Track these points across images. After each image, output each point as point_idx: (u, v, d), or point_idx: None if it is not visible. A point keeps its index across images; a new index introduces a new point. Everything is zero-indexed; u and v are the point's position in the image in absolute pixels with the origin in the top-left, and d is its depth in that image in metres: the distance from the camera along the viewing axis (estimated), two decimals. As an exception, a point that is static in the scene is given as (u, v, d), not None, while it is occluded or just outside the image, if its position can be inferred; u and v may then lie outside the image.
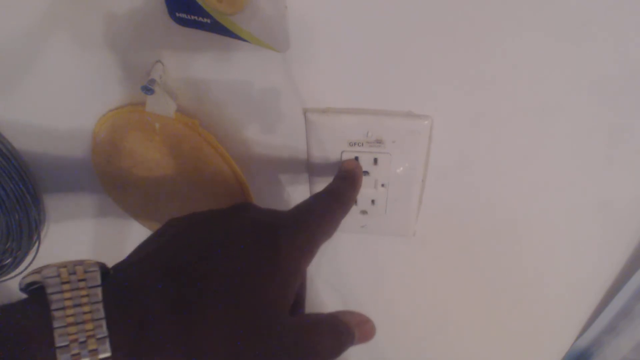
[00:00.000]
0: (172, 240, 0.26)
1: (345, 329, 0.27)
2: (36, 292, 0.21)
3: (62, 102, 0.37)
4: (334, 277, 0.49)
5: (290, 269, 0.26)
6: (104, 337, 0.20)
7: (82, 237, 0.49)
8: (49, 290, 0.20)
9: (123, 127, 0.36)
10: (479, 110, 0.33)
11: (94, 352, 0.19)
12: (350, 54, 0.32)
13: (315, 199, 0.30)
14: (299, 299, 0.30)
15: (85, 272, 0.21)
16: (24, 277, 0.21)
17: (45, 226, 0.47)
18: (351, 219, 0.41)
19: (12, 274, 0.47)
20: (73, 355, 0.19)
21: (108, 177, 0.40)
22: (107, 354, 0.20)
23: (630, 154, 0.34)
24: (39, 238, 0.46)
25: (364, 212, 0.40)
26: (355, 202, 0.39)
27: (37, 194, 0.43)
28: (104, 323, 0.20)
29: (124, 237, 0.47)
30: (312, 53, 0.32)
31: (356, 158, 0.36)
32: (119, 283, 0.23)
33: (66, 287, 0.20)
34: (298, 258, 0.26)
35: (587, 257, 0.42)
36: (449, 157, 0.36)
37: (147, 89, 0.32)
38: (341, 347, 0.26)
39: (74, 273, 0.21)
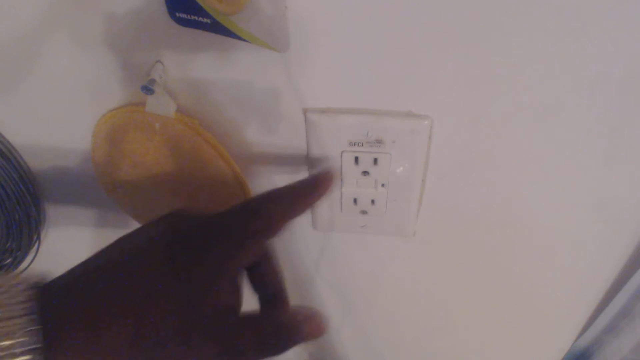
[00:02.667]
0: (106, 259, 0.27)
1: (292, 326, 0.27)
2: None
3: (62, 102, 0.37)
4: (334, 277, 0.49)
5: (215, 274, 0.26)
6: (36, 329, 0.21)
7: (82, 237, 0.49)
8: None
9: (123, 127, 0.36)
10: (479, 110, 0.33)
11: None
12: (350, 53, 0.32)
13: (264, 194, 0.30)
14: (274, 287, 0.30)
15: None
16: None
17: (45, 226, 0.47)
18: (351, 219, 0.41)
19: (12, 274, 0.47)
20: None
21: (108, 177, 0.40)
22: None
23: (630, 154, 0.34)
24: (39, 238, 0.46)
25: (364, 212, 0.40)
26: (355, 201, 0.39)
27: (37, 194, 0.43)
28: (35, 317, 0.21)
29: (124, 237, 0.47)
30: (312, 53, 0.32)
31: (356, 158, 0.36)
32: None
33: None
34: (221, 262, 0.26)
35: (587, 257, 0.42)
36: (449, 157, 0.36)
37: (147, 89, 0.32)
38: (286, 344, 0.26)
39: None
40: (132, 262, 0.26)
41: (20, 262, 0.46)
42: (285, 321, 0.27)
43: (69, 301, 0.24)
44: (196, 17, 0.29)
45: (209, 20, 0.29)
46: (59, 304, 0.23)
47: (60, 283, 0.25)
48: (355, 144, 0.36)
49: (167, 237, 0.27)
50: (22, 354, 0.21)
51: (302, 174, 0.40)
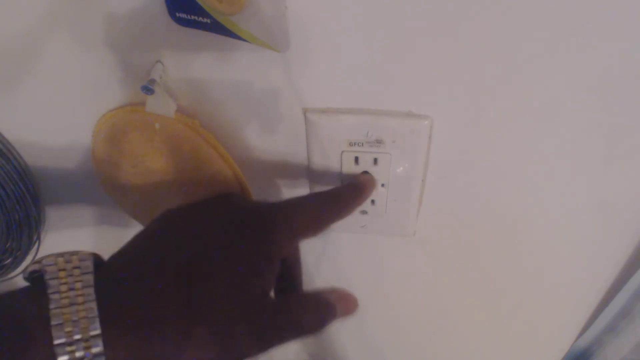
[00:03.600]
0: (167, 235, 0.28)
1: (326, 304, 0.29)
2: (37, 279, 0.23)
3: (62, 102, 0.37)
4: (334, 277, 0.49)
5: (267, 259, 0.27)
6: (95, 317, 0.22)
7: (82, 237, 0.49)
8: (47, 277, 0.23)
9: (123, 127, 0.36)
10: (479, 110, 0.33)
11: (85, 329, 0.22)
12: (350, 54, 0.32)
13: (309, 195, 0.32)
14: (294, 281, 0.34)
15: (80, 260, 0.24)
16: (27, 266, 0.24)
17: (45, 226, 0.47)
18: (351, 219, 0.41)
19: (12, 273, 0.47)
20: (67, 332, 0.21)
21: (108, 177, 0.40)
22: (97, 332, 0.22)
23: (630, 154, 0.34)
24: (39, 238, 0.46)
25: (364, 212, 0.40)
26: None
27: (37, 194, 0.43)
28: (94, 305, 0.22)
29: (124, 237, 0.47)
30: (312, 53, 0.32)
31: (356, 158, 0.36)
32: (115, 275, 0.25)
33: (62, 273, 0.23)
34: (274, 249, 0.28)
35: (587, 257, 0.42)
36: (449, 157, 0.36)
37: (147, 89, 0.32)
38: (323, 321, 0.28)
39: (70, 262, 0.23)
40: (191, 248, 0.27)
41: (20, 262, 0.46)
42: (320, 299, 0.29)
43: (125, 292, 0.24)
44: (196, 17, 0.29)
45: (209, 20, 0.29)
46: (117, 295, 0.24)
47: (118, 269, 0.25)
48: (355, 144, 0.36)
49: (227, 219, 0.28)
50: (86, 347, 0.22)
51: (302, 174, 0.40)
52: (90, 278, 0.23)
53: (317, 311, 0.28)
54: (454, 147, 0.36)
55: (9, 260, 0.45)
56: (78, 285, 0.23)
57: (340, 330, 0.55)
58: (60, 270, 0.23)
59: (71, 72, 0.35)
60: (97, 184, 0.41)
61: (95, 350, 0.21)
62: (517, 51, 0.30)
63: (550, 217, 0.39)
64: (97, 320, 0.22)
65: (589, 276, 0.43)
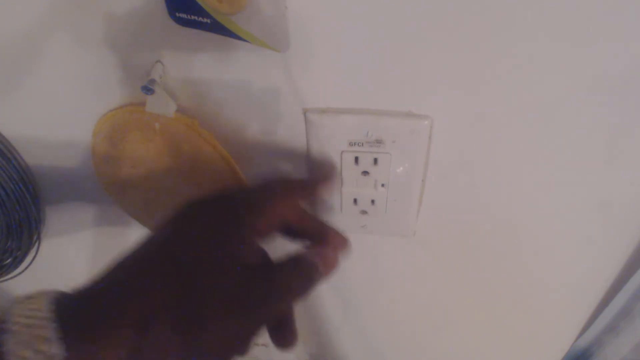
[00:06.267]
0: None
1: (307, 265, 0.29)
2: None
3: (62, 102, 0.37)
4: (334, 277, 0.49)
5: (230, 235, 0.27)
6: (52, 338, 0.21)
7: (82, 237, 0.49)
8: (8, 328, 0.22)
9: (123, 127, 0.36)
10: (479, 110, 0.33)
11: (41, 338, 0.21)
12: (350, 54, 0.32)
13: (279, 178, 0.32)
14: (311, 233, 0.32)
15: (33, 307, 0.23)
16: None
17: (45, 226, 0.47)
18: (351, 219, 0.41)
19: (12, 273, 0.47)
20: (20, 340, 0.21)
21: (108, 177, 0.40)
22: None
23: (630, 154, 0.34)
24: (39, 238, 0.46)
25: (364, 212, 0.40)
26: (355, 201, 0.39)
27: (37, 194, 0.43)
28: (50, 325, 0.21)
29: (124, 237, 0.48)
30: (312, 53, 0.32)
31: (356, 158, 0.36)
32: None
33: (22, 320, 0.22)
34: (250, 224, 0.28)
35: (587, 257, 0.42)
36: (449, 157, 0.36)
37: (147, 89, 0.32)
38: (308, 282, 0.29)
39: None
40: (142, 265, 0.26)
41: (20, 262, 0.46)
42: (304, 261, 0.29)
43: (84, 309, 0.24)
44: (196, 17, 0.29)
45: (209, 20, 0.29)
46: (76, 313, 0.23)
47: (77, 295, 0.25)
48: (355, 144, 0.36)
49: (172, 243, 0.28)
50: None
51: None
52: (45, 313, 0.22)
53: (300, 274, 0.28)
54: (454, 147, 0.36)
55: (9, 260, 0.45)
56: (39, 330, 0.22)
57: (340, 330, 0.55)
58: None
59: (71, 72, 0.35)
60: (97, 184, 0.41)
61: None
62: (517, 51, 0.30)
63: (550, 217, 0.39)
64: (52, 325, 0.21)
65: (589, 276, 0.43)
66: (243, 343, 0.26)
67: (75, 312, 0.23)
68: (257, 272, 0.27)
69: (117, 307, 0.24)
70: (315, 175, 0.35)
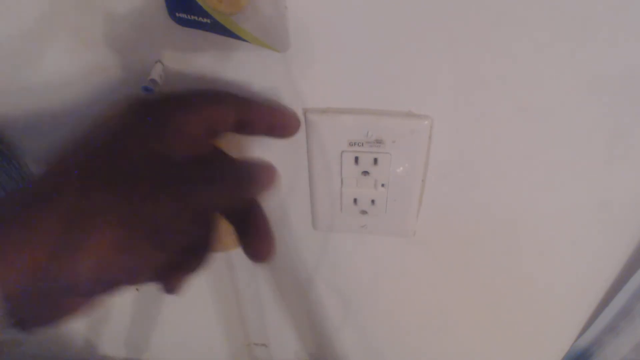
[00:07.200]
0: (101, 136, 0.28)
1: (248, 163, 0.29)
2: None
3: (62, 102, 0.37)
4: (334, 277, 0.49)
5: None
6: None
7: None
8: None
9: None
10: (479, 110, 0.33)
11: None
12: (350, 54, 0.32)
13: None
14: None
15: None
16: None
17: (45, 226, 0.47)
18: (351, 219, 0.41)
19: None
20: None
21: (108, 177, 0.40)
22: None
23: (630, 154, 0.34)
24: (39, 238, 0.46)
25: (364, 212, 0.40)
26: (355, 201, 0.39)
27: (37, 194, 0.43)
28: None
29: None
30: (312, 53, 0.32)
31: (356, 158, 0.36)
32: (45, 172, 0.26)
33: None
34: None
35: (587, 257, 0.42)
36: (449, 157, 0.36)
37: (147, 89, 0.32)
38: (251, 181, 0.28)
39: None
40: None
41: (20, 262, 0.46)
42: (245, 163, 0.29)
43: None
44: (196, 17, 0.29)
45: (209, 20, 0.29)
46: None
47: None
48: (355, 144, 0.36)
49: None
50: None
51: (302, 174, 0.40)
52: None
53: (234, 167, 0.29)
54: (454, 147, 0.36)
55: (9, 260, 0.45)
56: None
57: (340, 330, 0.55)
58: None
59: (71, 72, 0.35)
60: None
61: None
62: (517, 51, 0.30)
63: (550, 217, 0.39)
64: None
65: (589, 276, 0.43)
66: (179, 227, 0.26)
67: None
68: (174, 162, 0.27)
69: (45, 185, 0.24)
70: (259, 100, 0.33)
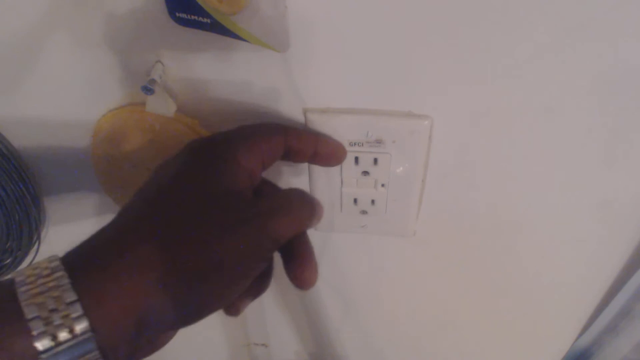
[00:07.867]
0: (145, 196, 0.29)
1: (310, 197, 0.30)
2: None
3: (62, 102, 0.37)
4: (334, 277, 0.49)
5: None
6: (75, 301, 0.21)
7: (82, 237, 0.48)
8: (16, 279, 0.23)
9: (123, 127, 0.36)
10: (479, 110, 0.33)
11: (59, 299, 0.21)
12: (350, 54, 0.32)
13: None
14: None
15: (49, 262, 0.24)
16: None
17: (45, 226, 0.47)
18: (351, 219, 0.41)
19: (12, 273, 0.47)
20: (38, 304, 0.21)
21: (108, 177, 0.40)
22: (74, 298, 0.21)
23: (630, 154, 0.34)
24: (39, 238, 0.46)
25: (364, 212, 0.40)
26: (355, 201, 0.39)
27: (37, 194, 0.43)
28: (70, 289, 0.22)
29: (124, 237, 0.47)
30: (312, 53, 0.32)
31: (356, 158, 0.36)
32: (109, 226, 0.27)
33: (30, 271, 0.23)
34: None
35: (587, 257, 0.42)
36: (449, 157, 0.36)
37: (147, 89, 0.32)
38: (312, 212, 0.30)
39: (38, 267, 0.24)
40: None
41: (20, 262, 0.46)
42: (307, 194, 0.30)
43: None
44: (196, 17, 0.29)
45: (209, 20, 0.29)
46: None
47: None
48: (355, 144, 0.36)
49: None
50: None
51: (302, 174, 0.40)
52: (61, 271, 0.23)
53: (305, 201, 0.30)
54: (454, 147, 0.36)
55: (9, 260, 0.45)
56: (46, 272, 0.23)
57: (340, 330, 0.55)
58: (29, 276, 0.23)
59: (71, 72, 0.35)
60: (97, 184, 0.41)
61: (74, 315, 0.21)
62: (517, 51, 0.30)
63: (550, 217, 0.39)
64: (79, 305, 0.21)
65: (589, 276, 0.43)
66: (241, 265, 0.26)
67: (80, 253, 0.26)
68: (244, 197, 0.28)
69: (116, 239, 0.26)
70: (312, 132, 0.35)
